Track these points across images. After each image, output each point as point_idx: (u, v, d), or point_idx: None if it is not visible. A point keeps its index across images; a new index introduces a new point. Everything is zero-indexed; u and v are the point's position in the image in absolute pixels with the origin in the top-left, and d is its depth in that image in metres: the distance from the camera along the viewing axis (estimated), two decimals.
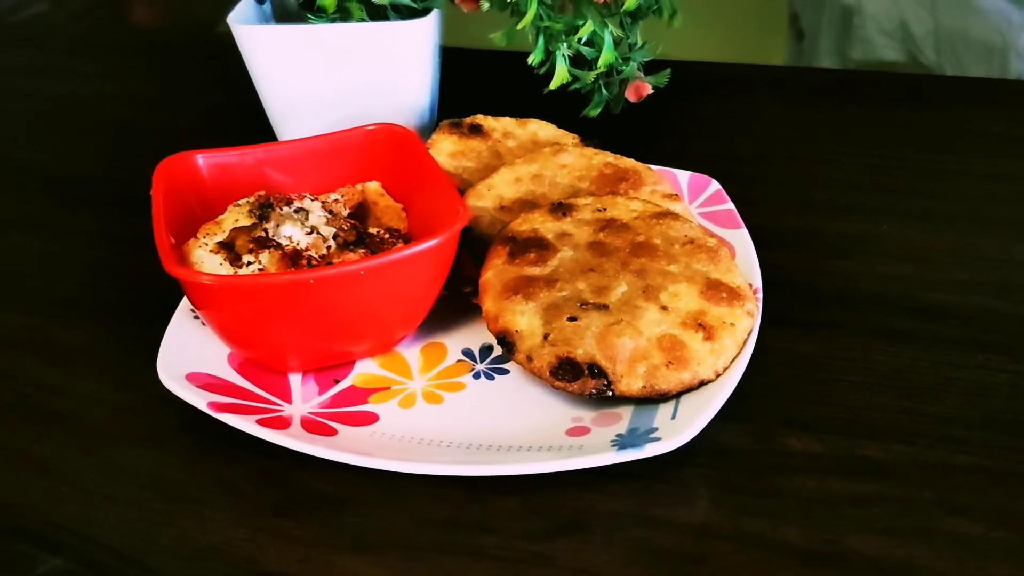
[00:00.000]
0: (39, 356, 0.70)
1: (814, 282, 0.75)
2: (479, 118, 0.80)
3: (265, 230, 0.64)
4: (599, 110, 0.87)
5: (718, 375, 0.60)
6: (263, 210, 0.65)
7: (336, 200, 0.72)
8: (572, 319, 0.60)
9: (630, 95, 0.90)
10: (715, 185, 0.81)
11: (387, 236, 0.69)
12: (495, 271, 0.65)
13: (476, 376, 0.65)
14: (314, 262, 0.63)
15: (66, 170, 0.98)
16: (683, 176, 0.83)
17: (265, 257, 0.62)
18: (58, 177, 0.97)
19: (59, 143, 1.05)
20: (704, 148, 0.96)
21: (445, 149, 0.78)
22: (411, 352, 0.67)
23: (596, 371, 0.58)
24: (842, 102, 1.07)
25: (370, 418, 0.61)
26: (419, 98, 0.91)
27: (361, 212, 0.74)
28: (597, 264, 0.64)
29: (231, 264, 0.62)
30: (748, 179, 0.87)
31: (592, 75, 0.83)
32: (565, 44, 0.83)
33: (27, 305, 0.76)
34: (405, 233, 0.72)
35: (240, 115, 0.99)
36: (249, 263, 0.61)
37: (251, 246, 0.62)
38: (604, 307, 0.61)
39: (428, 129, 0.94)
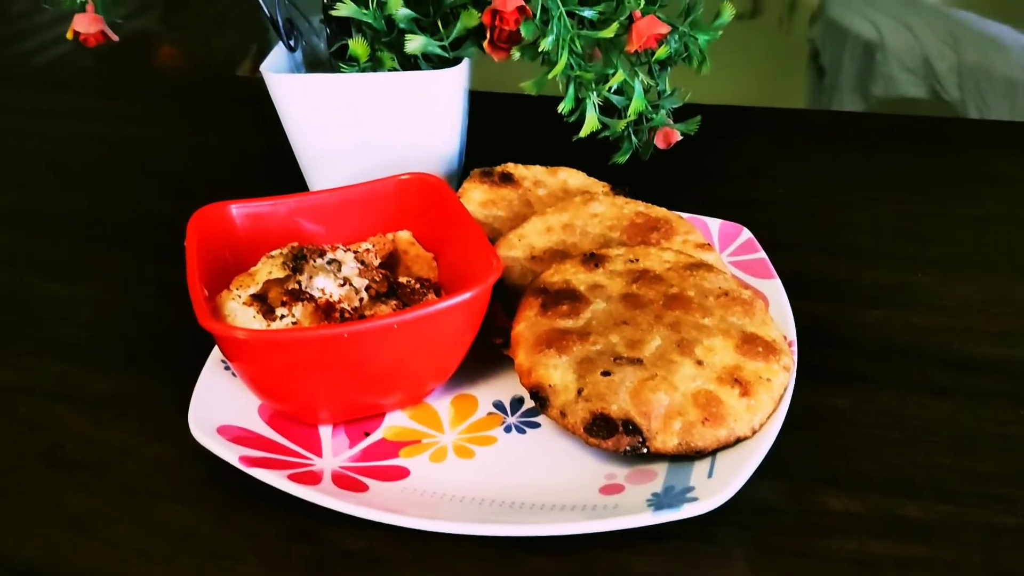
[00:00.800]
0: (71, 405, 0.70)
1: (848, 333, 0.74)
2: (509, 166, 0.80)
3: (298, 282, 0.64)
4: (627, 156, 0.88)
5: (754, 432, 0.59)
6: (296, 261, 0.65)
7: (368, 250, 0.72)
8: (606, 373, 0.60)
9: (659, 142, 0.90)
10: (746, 234, 0.81)
11: (418, 286, 0.69)
12: (527, 323, 0.65)
13: (507, 430, 0.64)
14: (347, 315, 0.63)
15: (98, 215, 0.99)
16: (714, 224, 0.83)
17: (299, 310, 0.62)
18: (90, 222, 0.98)
19: (90, 187, 1.06)
20: (733, 193, 0.96)
21: (476, 198, 0.78)
22: (442, 404, 0.67)
23: (631, 428, 0.58)
24: (870, 145, 1.06)
25: (401, 472, 0.61)
26: (449, 145, 0.91)
27: (392, 261, 0.74)
28: (630, 317, 0.64)
29: (264, 317, 0.62)
30: (778, 225, 0.87)
31: (622, 124, 0.83)
32: (595, 93, 0.83)
33: (59, 352, 0.77)
34: (435, 283, 0.72)
35: (269, 159, 1.00)
36: (282, 316, 0.61)
37: (284, 298, 0.62)
38: (638, 361, 0.61)
39: (457, 175, 0.94)
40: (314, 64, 0.95)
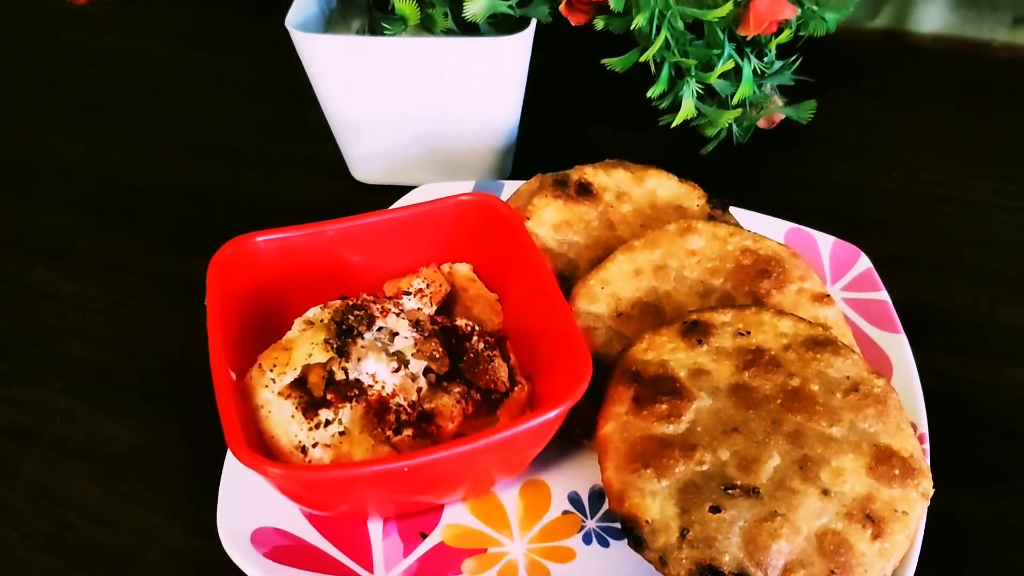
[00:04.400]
0: (85, 475, 0.61)
1: (979, 400, 0.63)
2: (587, 173, 0.67)
3: (344, 369, 0.53)
4: (715, 145, 0.73)
5: None
6: (341, 339, 0.53)
7: (420, 291, 0.60)
8: (715, 509, 0.50)
9: (762, 123, 0.76)
10: (863, 261, 0.68)
11: (483, 349, 0.57)
12: (617, 424, 0.54)
13: (587, 540, 0.55)
14: (404, 415, 0.52)
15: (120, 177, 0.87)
16: (825, 244, 0.70)
17: (347, 414, 0.51)
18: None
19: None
20: (837, 178, 0.82)
21: (548, 219, 0.65)
22: (509, 496, 0.57)
23: None
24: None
25: None
26: (507, 119, 0.77)
27: (448, 299, 0.62)
28: (742, 421, 0.53)
29: (304, 415, 0.51)
30: (889, 228, 0.74)
31: (727, 117, 0.69)
32: (694, 79, 0.68)
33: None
34: (499, 333, 0.61)
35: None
36: (327, 422, 0.51)
37: (330, 396, 0.51)
38: (754, 491, 0.50)
39: (510, 151, 0.80)
40: (346, 8, 0.79)
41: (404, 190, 0.79)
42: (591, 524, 0.56)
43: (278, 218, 0.75)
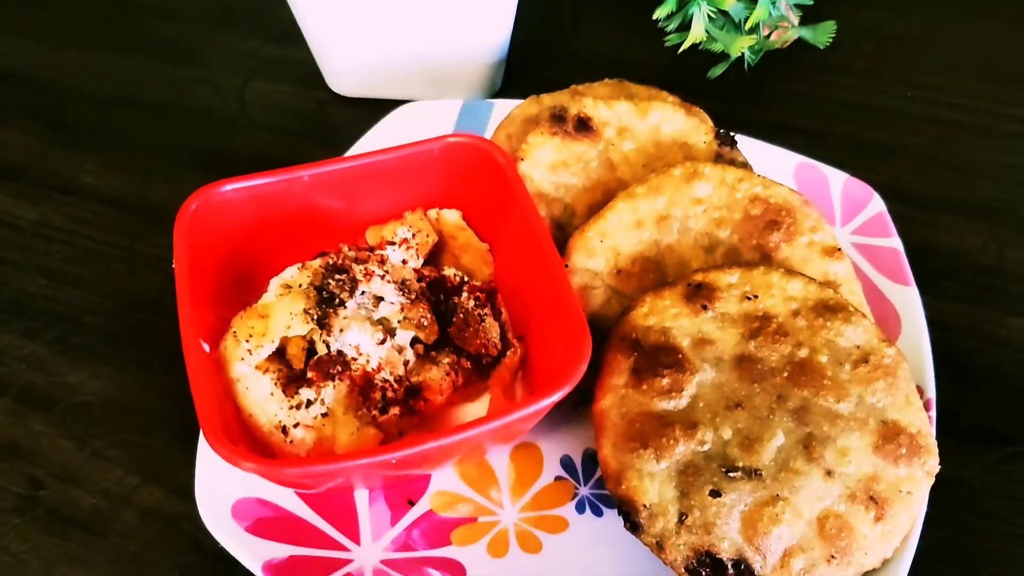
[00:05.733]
0: (55, 428, 0.58)
1: (985, 355, 0.61)
2: (587, 107, 0.61)
3: (327, 342, 0.49)
4: (724, 69, 0.68)
5: (885, 562, 0.49)
6: (322, 308, 0.50)
7: (407, 242, 0.56)
8: (715, 493, 0.48)
9: (774, 36, 0.70)
10: (877, 203, 0.65)
11: (472, 306, 0.54)
12: (615, 398, 0.51)
13: (580, 508, 0.54)
14: (390, 391, 0.49)
15: None
16: (836, 180, 0.66)
17: (329, 393, 0.48)
18: None
19: None
20: (845, 98, 0.77)
21: (544, 159, 0.60)
22: (500, 460, 0.55)
23: (742, 569, 0.47)
24: None
25: (456, 572, 0.51)
26: (499, 27, 0.71)
27: (436, 247, 0.58)
28: (746, 396, 0.51)
29: (284, 391, 0.48)
30: (903, 156, 0.70)
31: (740, 44, 0.63)
32: (706, 2, 0.62)
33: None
34: (489, 285, 0.57)
35: None
36: (309, 402, 0.48)
37: (312, 374, 0.48)
38: (756, 473, 0.49)
39: (501, 64, 0.74)
40: None
41: (384, 103, 0.73)
42: (584, 491, 0.54)
43: (249, 135, 0.70)
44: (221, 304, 0.54)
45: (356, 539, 0.52)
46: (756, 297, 0.54)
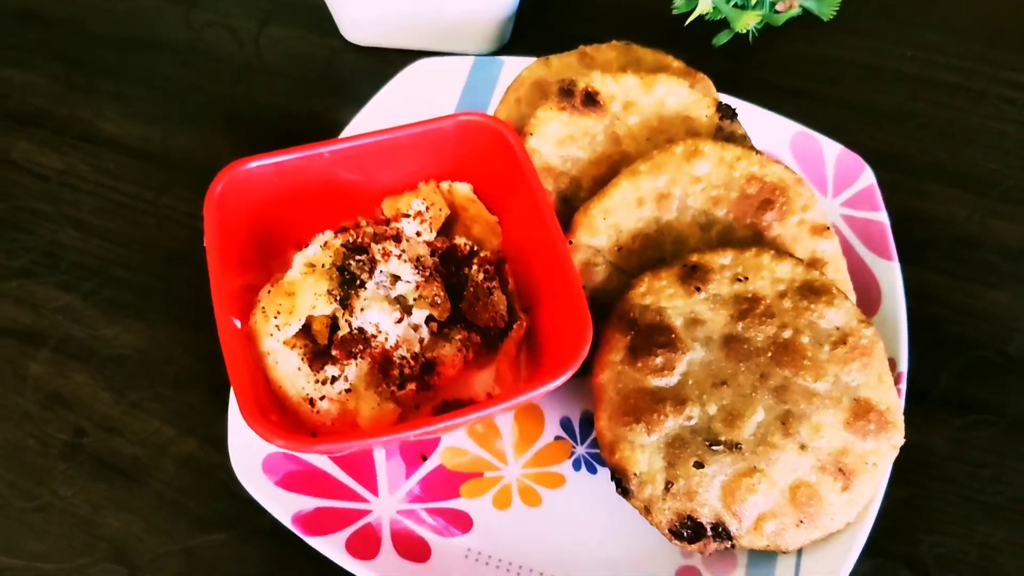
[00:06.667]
0: (95, 380, 0.63)
1: (960, 326, 0.65)
2: (595, 81, 0.63)
3: (348, 322, 0.53)
4: (729, 38, 0.70)
5: (848, 524, 0.55)
6: (344, 290, 0.54)
7: (420, 215, 0.59)
8: (699, 465, 0.53)
9: (780, 6, 0.72)
10: (868, 175, 0.67)
11: (481, 279, 0.58)
12: (612, 374, 0.56)
13: (576, 466, 0.59)
14: (407, 368, 0.53)
15: None
16: (830, 151, 0.69)
17: (352, 371, 0.52)
18: None
19: None
20: (850, 56, 0.78)
21: (552, 134, 0.62)
22: (505, 420, 0.60)
23: (720, 530, 0.53)
24: None
25: (463, 522, 0.57)
26: None
27: (448, 218, 0.62)
28: (732, 374, 0.55)
29: (310, 366, 0.53)
30: (897, 120, 0.73)
31: (747, 20, 0.65)
32: None
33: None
34: (498, 254, 0.61)
35: None
36: (334, 379, 0.52)
37: (336, 352, 0.53)
38: (736, 446, 0.54)
39: (511, 18, 0.76)
40: None
41: (396, 53, 0.75)
42: (581, 450, 0.60)
43: (265, 83, 0.72)
44: (247, 270, 0.58)
45: (375, 491, 0.58)
46: (747, 279, 0.58)
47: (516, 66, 0.72)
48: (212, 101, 0.76)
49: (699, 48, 0.66)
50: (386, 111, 0.70)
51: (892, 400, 0.56)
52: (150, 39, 0.80)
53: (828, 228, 0.62)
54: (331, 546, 0.54)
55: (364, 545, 0.55)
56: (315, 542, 0.54)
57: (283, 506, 0.55)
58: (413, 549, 0.56)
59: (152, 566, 0.57)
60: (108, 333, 0.65)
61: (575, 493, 0.58)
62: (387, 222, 0.60)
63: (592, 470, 0.59)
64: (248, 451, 0.56)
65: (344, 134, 0.68)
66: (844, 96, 0.77)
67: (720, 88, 0.67)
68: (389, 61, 0.77)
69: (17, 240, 0.69)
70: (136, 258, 0.68)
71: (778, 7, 0.70)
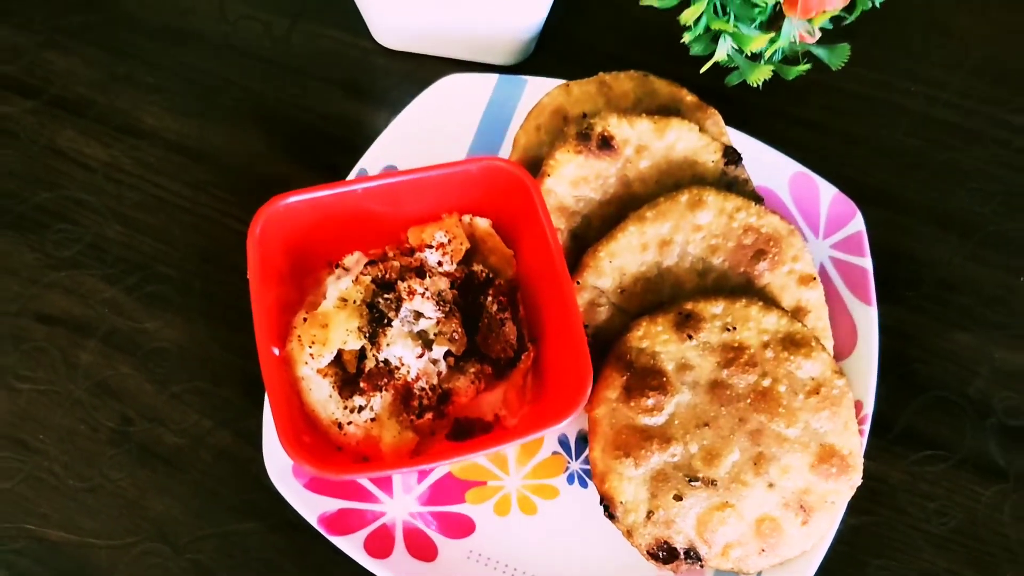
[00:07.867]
0: (139, 371, 0.69)
1: (925, 365, 0.72)
2: (611, 124, 0.67)
3: (375, 356, 0.60)
4: (741, 79, 0.73)
5: (805, 553, 0.63)
6: (372, 327, 0.60)
7: (443, 246, 0.65)
8: (678, 498, 0.61)
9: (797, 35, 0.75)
10: (858, 222, 0.72)
11: (495, 310, 0.64)
12: (607, 409, 0.63)
13: (571, 480, 0.67)
14: (425, 400, 0.60)
15: None
16: (826, 193, 0.73)
17: (377, 402, 0.59)
18: None
19: None
20: (849, 94, 0.82)
21: (568, 175, 0.67)
22: None
23: (691, 555, 0.61)
24: None
25: (467, 526, 0.65)
26: (537, 11, 0.75)
27: (468, 252, 0.67)
28: (713, 417, 0.62)
29: (340, 394, 0.60)
30: (890, 164, 0.78)
31: (760, 74, 0.68)
32: (732, 35, 0.67)
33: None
34: (512, 281, 0.67)
35: None
36: (360, 408, 0.59)
37: (364, 385, 0.59)
38: (712, 482, 0.61)
39: (536, 36, 0.79)
40: None
41: (426, 59, 0.79)
42: (575, 466, 0.67)
43: (297, 83, 0.77)
44: (282, 286, 0.63)
45: (390, 493, 0.65)
46: (735, 329, 0.64)
47: (538, 85, 0.76)
48: (246, 97, 0.80)
49: (713, 68, 0.70)
50: (414, 121, 0.75)
51: (855, 445, 0.63)
52: (187, 29, 0.83)
53: (815, 278, 0.68)
54: (351, 545, 0.62)
55: (380, 544, 0.63)
56: (338, 541, 0.62)
57: (310, 507, 0.62)
58: (422, 549, 0.64)
59: (191, 547, 0.64)
60: (150, 327, 0.71)
61: (568, 504, 0.66)
62: (411, 251, 0.65)
63: (584, 484, 0.67)
64: (280, 457, 0.63)
65: (375, 145, 0.73)
66: (847, 129, 0.80)
67: (729, 115, 0.72)
68: (419, 66, 0.81)
69: (64, 231, 0.74)
70: (176, 255, 0.73)
71: (795, 36, 0.72)
